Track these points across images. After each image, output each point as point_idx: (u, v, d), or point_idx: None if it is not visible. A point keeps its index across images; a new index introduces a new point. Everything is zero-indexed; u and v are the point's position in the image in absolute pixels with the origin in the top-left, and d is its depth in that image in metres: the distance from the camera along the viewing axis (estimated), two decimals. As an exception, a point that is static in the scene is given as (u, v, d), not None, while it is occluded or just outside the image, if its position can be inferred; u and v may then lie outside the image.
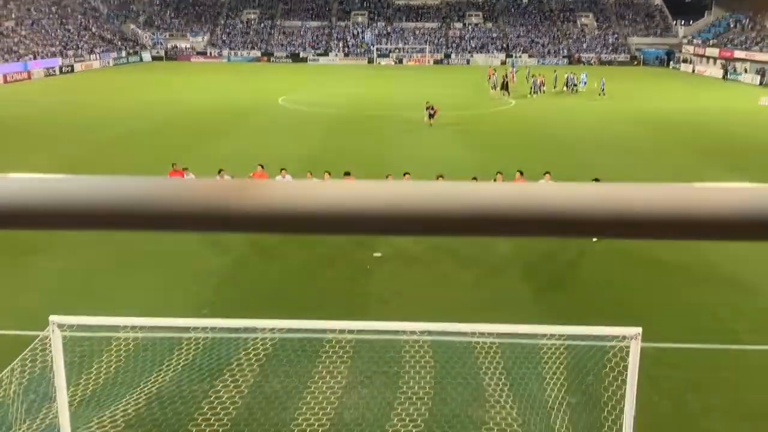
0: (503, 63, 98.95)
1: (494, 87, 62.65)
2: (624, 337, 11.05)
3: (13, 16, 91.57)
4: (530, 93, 61.73)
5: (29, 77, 77.94)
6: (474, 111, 48.85)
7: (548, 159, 35.32)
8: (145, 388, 13.22)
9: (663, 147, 39.82)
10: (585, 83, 64.54)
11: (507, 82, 62.23)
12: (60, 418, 10.73)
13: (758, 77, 79.58)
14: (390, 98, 61.67)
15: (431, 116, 44.16)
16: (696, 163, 35.99)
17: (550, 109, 55.08)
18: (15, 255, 21.11)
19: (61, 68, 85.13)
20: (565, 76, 67.04)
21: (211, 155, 35.56)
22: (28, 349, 13.05)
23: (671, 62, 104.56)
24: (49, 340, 10.89)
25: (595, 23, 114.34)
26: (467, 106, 53.67)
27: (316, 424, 11.92)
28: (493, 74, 64.95)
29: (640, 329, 10.96)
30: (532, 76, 64.44)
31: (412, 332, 15.35)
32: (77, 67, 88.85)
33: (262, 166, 23.35)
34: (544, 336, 14.23)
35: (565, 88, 65.81)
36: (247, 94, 62.84)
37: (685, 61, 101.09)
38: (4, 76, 74.07)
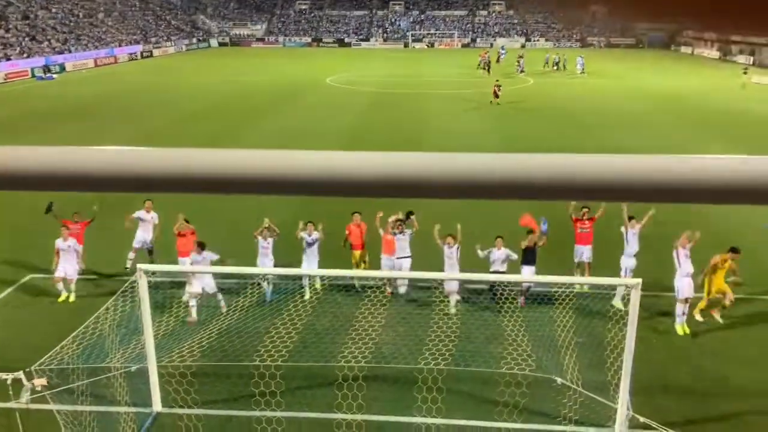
0: (522, 46, 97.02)
1: (484, 67, 63.16)
2: (626, 287, 10.95)
3: (102, 8, 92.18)
4: (516, 71, 61.78)
5: (115, 61, 78.67)
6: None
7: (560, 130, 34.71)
8: (216, 325, 13.54)
9: (659, 119, 38.77)
10: (582, 65, 63.32)
11: (490, 63, 63.05)
12: (147, 348, 11.07)
13: (751, 57, 76.94)
14: (423, 77, 60.89)
15: (496, 95, 43.18)
16: (691, 133, 35.01)
17: (560, 86, 53.94)
18: (111, 215, 21.55)
19: (141, 53, 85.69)
20: (555, 56, 67.56)
21: (267, 129, 35.67)
22: (119, 291, 13.42)
23: (672, 45, 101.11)
24: (137, 284, 11.18)
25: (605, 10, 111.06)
26: (488, 84, 52.80)
27: (360, 356, 12.09)
28: (485, 55, 65.17)
29: (640, 280, 10.84)
30: (520, 57, 63.94)
31: (442, 281, 15.42)
32: (155, 52, 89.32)
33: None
34: (556, 285, 14.19)
35: (554, 68, 65.96)
36: (300, 75, 62.57)
37: (685, 44, 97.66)
38: (95, 61, 74.94)
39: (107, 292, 14.79)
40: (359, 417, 10.25)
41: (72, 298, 15.17)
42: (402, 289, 15.36)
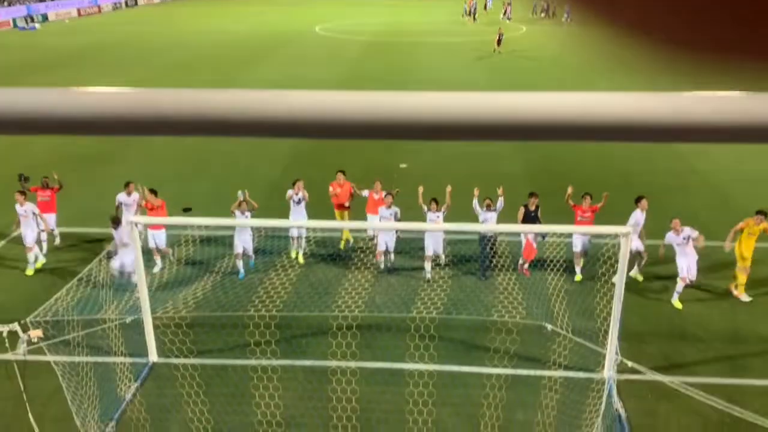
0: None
1: (470, 14, 63.23)
2: (616, 235, 11.06)
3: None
4: (503, 18, 60.85)
5: (99, 11, 76.72)
6: (487, 37, 47.25)
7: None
8: (210, 277, 13.63)
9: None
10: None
11: (476, 11, 63.32)
12: (141, 300, 11.15)
13: None
14: (415, 26, 59.82)
15: (499, 43, 42.63)
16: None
17: (552, 35, 53.23)
18: (92, 165, 21.40)
19: (126, 2, 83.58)
20: (543, 3, 67.12)
21: (259, 78, 35.15)
22: (111, 245, 13.45)
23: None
24: (131, 234, 11.19)
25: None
26: (481, 33, 51.93)
27: (353, 305, 12.25)
28: (472, 2, 64.69)
29: (630, 228, 10.96)
30: (508, 4, 63.45)
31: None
32: (140, 1, 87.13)
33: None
34: (546, 234, 14.31)
35: (542, 15, 65.98)
36: (288, 24, 61.31)
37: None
38: (78, 11, 73.05)
39: (97, 244, 14.83)
40: (353, 364, 10.45)
41: (39, 264, 14.51)
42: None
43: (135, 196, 14.74)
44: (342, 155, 21.87)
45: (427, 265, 13.92)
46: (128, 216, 13.54)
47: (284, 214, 14.87)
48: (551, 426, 9.54)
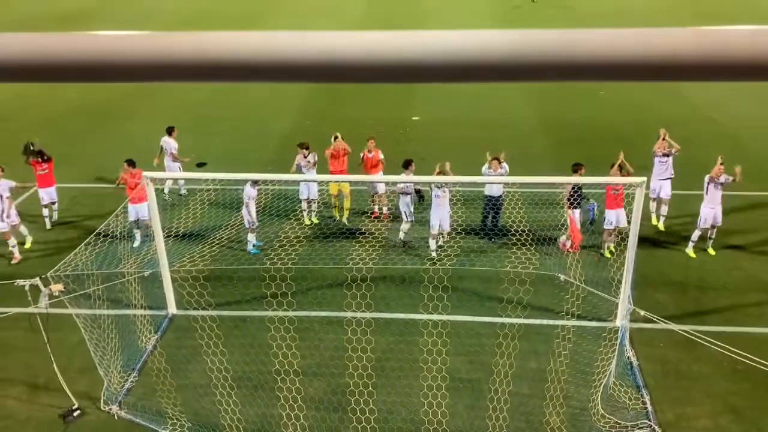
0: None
1: None
2: (631, 185, 10.98)
3: None
4: None
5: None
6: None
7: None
8: (225, 231, 13.74)
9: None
10: None
11: None
12: (158, 254, 11.30)
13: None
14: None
15: None
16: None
17: None
18: (105, 120, 21.42)
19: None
20: None
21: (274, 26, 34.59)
22: (127, 200, 13.55)
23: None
24: (145, 191, 11.27)
25: None
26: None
27: (367, 258, 12.34)
28: None
29: (644, 178, 10.86)
30: None
31: (446, 184, 15.45)
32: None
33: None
34: (560, 185, 14.20)
35: None
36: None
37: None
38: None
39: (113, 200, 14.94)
40: (368, 315, 10.60)
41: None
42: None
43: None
44: (354, 108, 21.73)
45: (432, 243, 13.24)
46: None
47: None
48: (564, 373, 9.67)
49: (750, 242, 13.63)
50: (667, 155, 13.82)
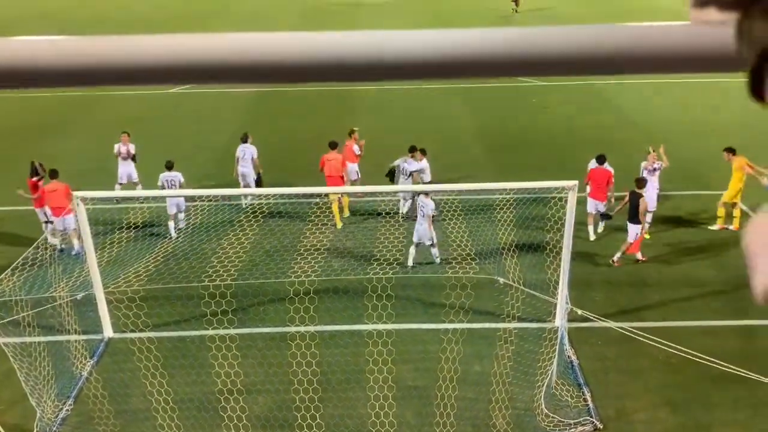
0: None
1: None
2: (563, 189, 11.23)
3: None
4: None
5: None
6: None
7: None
8: (162, 249, 13.36)
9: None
10: None
11: None
12: (92, 275, 10.86)
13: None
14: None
15: (516, 2, 40.59)
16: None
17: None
18: (36, 138, 20.56)
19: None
20: None
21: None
22: (57, 220, 13.01)
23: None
24: (75, 212, 10.84)
25: None
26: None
27: (309, 270, 12.21)
28: None
29: (576, 182, 11.13)
30: None
31: (388, 193, 15.52)
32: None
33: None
34: (496, 191, 14.43)
35: None
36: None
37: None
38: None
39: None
40: (312, 328, 10.47)
41: None
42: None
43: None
44: (294, 119, 21.61)
45: (412, 250, 13.19)
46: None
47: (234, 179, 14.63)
48: (508, 375, 9.78)
49: (680, 240, 14.18)
50: (655, 170, 14.25)
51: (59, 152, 19.10)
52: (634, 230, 12.97)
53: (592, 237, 14.12)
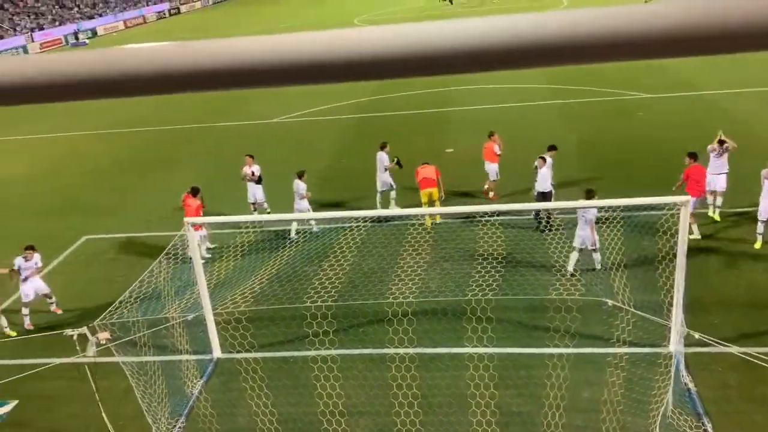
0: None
1: None
2: (675, 204, 10.60)
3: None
4: None
5: (144, 21, 78.56)
6: None
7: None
8: (266, 272, 13.74)
9: None
10: None
11: None
12: (202, 297, 11.31)
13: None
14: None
15: None
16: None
17: None
18: (145, 173, 21.89)
19: (169, 11, 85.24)
20: None
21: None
22: (170, 245, 13.68)
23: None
24: (186, 237, 11.36)
25: None
26: None
27: (407, 292, 12.15)
28: None
29: (689, 197, 10.48)
30: None
31: (484, 213, 15.25)
32: (183, 9, 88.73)
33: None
34: (603, 209, 13.83)
35: None
36: (328, 17, 61.36)
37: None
38: (125, 23, 74.94)
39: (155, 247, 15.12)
40: (411, 350, 10.35)
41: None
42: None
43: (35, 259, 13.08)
44: (387, 139, 21.78)
45: (574, 255, 12.91)
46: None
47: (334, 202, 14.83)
48: (619, 403, 9.24)
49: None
50: (723, 152, 14.43)
51: (167, 184, 20.28)
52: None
53: (698, 235, 13.70)
